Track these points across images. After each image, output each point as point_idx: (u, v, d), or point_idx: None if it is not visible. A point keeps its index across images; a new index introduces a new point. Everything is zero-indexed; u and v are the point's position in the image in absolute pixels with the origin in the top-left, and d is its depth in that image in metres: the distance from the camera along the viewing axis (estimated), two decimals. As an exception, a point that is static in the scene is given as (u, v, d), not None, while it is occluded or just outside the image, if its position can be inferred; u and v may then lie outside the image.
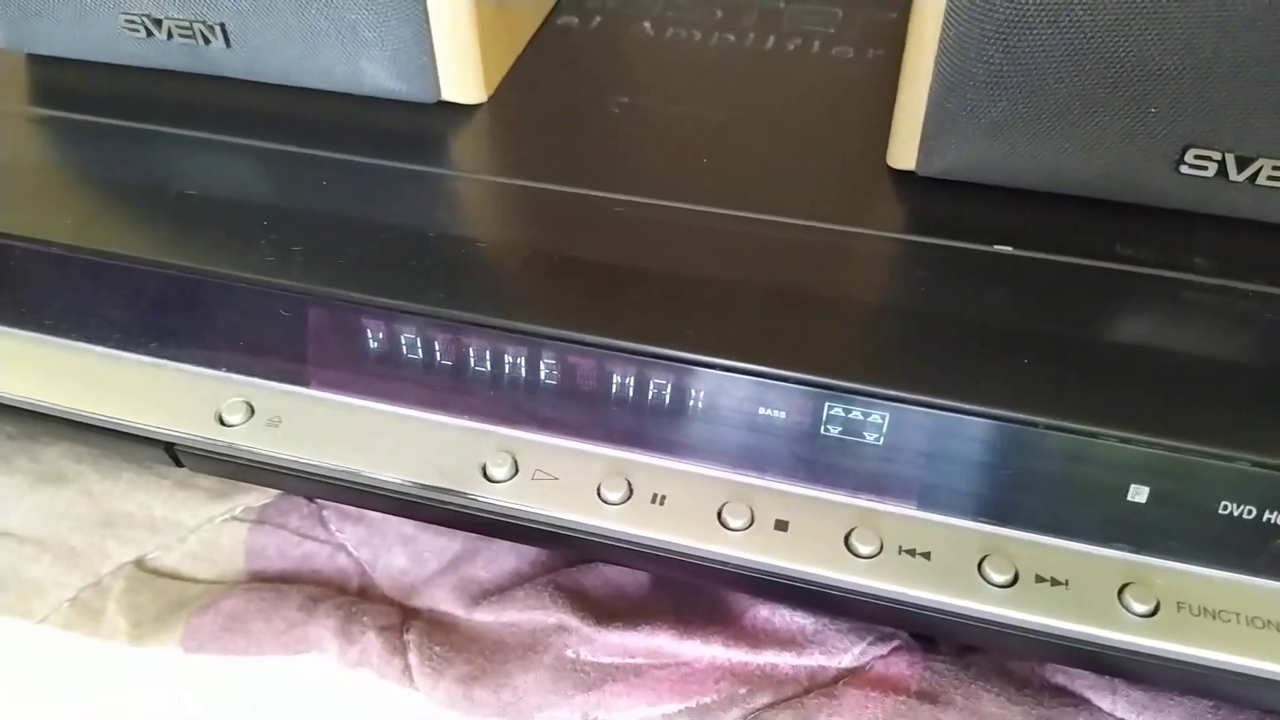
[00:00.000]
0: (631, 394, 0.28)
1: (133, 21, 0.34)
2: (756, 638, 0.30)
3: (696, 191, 0.32)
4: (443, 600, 0.33)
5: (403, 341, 0.29)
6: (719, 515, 0.27)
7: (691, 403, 0.28)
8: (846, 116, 0.36)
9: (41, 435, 0.37)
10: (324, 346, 0.30)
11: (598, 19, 0.41)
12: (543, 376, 0.28)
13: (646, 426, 0.28)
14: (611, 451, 0.28)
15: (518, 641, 0.31)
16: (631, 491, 0.28)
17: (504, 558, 0.33)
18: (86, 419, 0.31)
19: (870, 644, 0.29)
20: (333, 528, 0.35)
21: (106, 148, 0.34)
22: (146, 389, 0.31)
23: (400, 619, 0.32)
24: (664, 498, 0.28)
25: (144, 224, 0.31)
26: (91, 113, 0.35)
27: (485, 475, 0.28)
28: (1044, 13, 0.26)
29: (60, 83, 0.37)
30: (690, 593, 0.32)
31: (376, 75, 0.34)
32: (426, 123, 0.35)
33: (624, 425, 0.28)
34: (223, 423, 0.30)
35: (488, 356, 0.29)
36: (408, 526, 0.34)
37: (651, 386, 0.28)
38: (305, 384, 0.30)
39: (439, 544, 0.34)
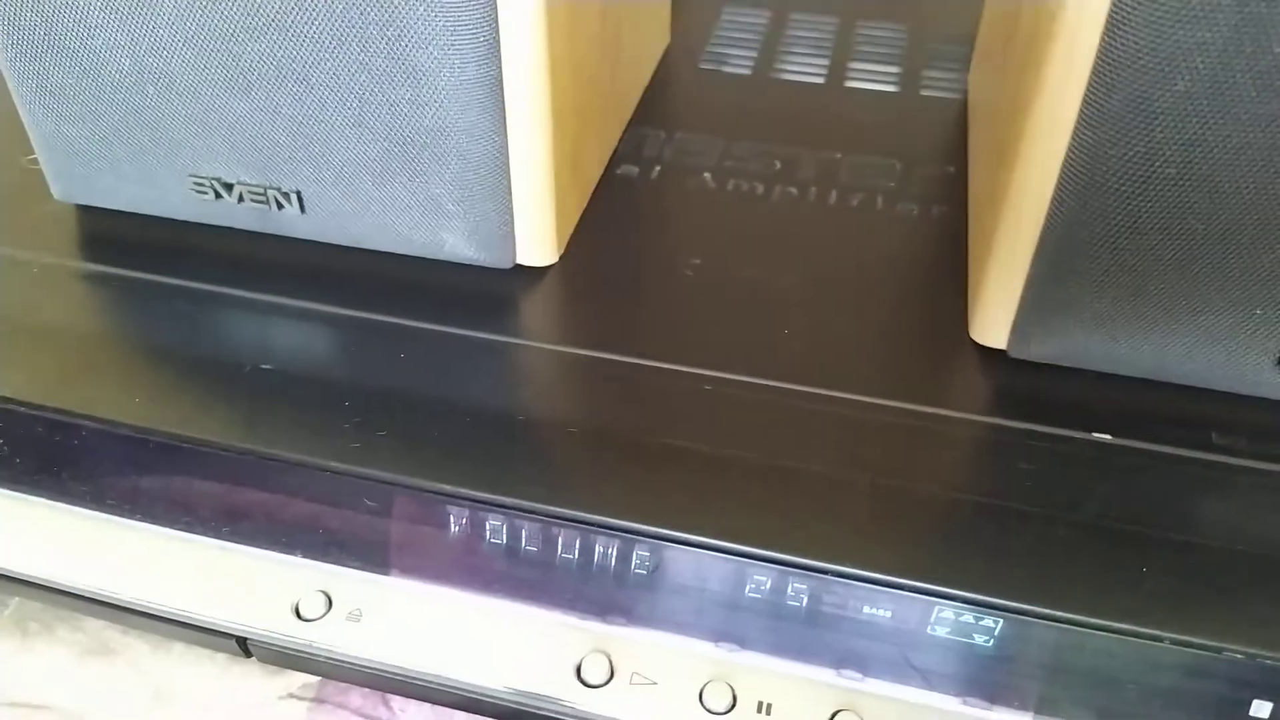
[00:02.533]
0: (731, 592, 0.27)
1: (201, 184, 0.34)
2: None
3: (779, 367, 0.31)
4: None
5: (491, 532, 0.28)
6: (831, 724, 0.26)
7: (791, 603, 0.27)
8: (921, 280, 0.35)
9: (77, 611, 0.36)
10: (409, 535, 0.29)
11: (657, 169, 0.41)
12: (636, 571, 0.27)
13: (746, 626, 0.27)
14: (712, 651, 0.27)
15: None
16: (735, 699, 0.27)
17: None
18: (151, 609, 0.30)
19: None
20: (395, 707, 0.33)
21: (173, 312, 0.33)
22: (217, 575, 0.30)
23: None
24: (770, 706, 0.27)
25: (219, 403, 0.30)
26: (154, 271, 0.34)
27: (580, 679, 0.27)
28: (1157, 220, 0.26)
29: (115, 235, 0.36)
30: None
31: (456, 245, 0.33)
32: (501, 287, 0.34)
33: (724, 624, 0.27)
34: (300, 616, 0.29)
35: (579, 549, 0.28)
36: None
37: (751, 586, 0.27)
38: (386, 572, 0.29)
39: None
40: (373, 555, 0.29)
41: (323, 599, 0.29)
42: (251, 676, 0.34)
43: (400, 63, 0.29)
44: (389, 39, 0.29)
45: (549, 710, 0.27)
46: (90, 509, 0.31)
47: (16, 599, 0.36)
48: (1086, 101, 0.26)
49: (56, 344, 0.32)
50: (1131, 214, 0.26)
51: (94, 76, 0.32)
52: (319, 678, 0.34)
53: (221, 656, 0.34)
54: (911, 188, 0.41)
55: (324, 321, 0.32)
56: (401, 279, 0.34)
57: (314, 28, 0.29)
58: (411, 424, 0.29)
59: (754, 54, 0.50)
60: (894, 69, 0.49)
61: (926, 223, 0.39)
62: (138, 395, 0.30)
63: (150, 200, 0.35)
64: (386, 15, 0.28)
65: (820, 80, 0.48)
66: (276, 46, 0.30)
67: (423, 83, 0.29)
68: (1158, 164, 0.26)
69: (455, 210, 0.32)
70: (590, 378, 0.31)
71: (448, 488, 0.28)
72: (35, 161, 0.37)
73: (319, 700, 0.34)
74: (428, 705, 0.33)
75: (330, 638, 0.28)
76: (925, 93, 0.47)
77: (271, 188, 0.33)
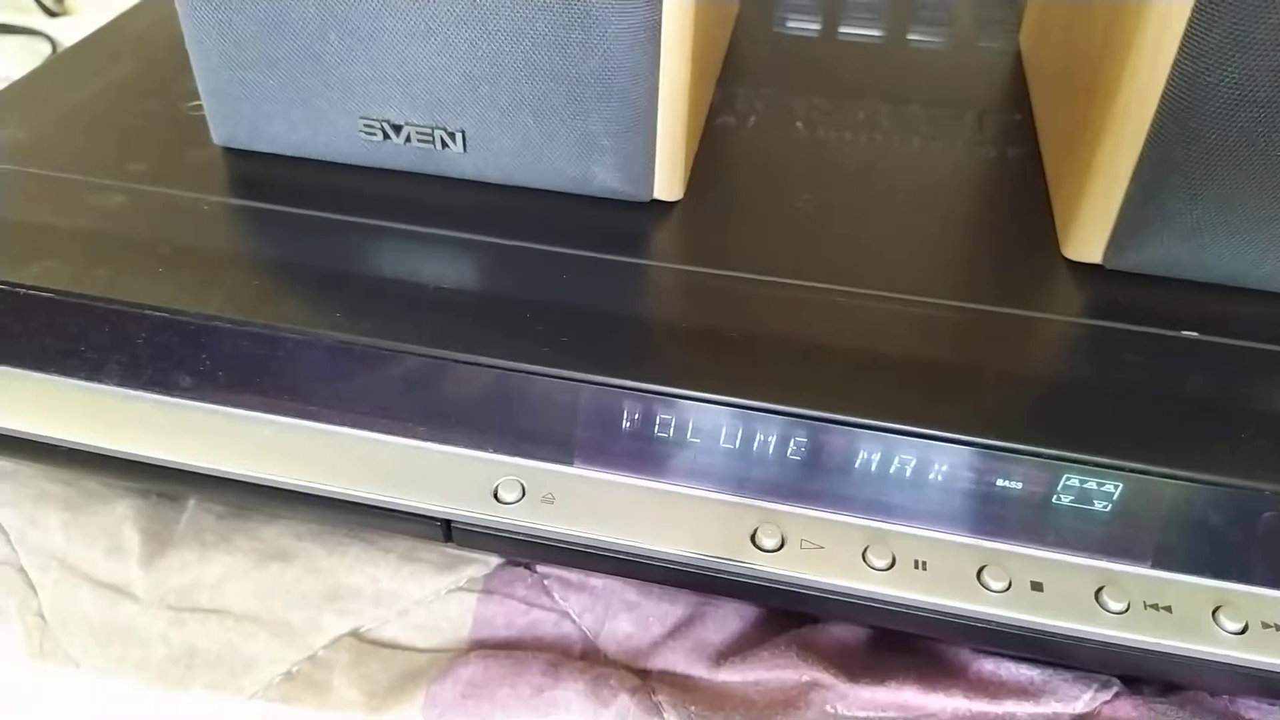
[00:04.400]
0: (886, 469, 0.31)
1: (370, 126, 0.37)
2: (992, 689, 0.33)
3: (901, 281, 0.35)
4: (679, 663, 0.35)
5: (665, 423, 0.32)
6: (979, 578, 0.30)
7: (942, 476, 0.31)
8: (1008, 211, 0.40)
9: (256, 512, 0.39)
10: (594, 429, 0.32)
11: (752, 119, 0.45)
12: (797, 452, 0.31)
13: (899, 498, 0.31)
14: (868, 522, 0.31)
15: (768, 700, 0.33)
16: (894, 559, 0.31)
17: (731, 621, 0.36)
18: (359, 499, 0.33)
19: (1097, 690, 0.33)
20: (556, 596, 0.37)
21: (348, 244, 0.36)
22: (419, 469, 0.33)
23: (641, 681, 0.34)
24: (925, 563, 0.31)
25: (410, 316, 0.33)
26: (324, 209, 0.37)
27: (756, 545, 0.31)
28: (1246, 138, 0.31)
29: (281, 178, 0.39)
30: (913, 648, 0.35)
31: (606, 179, 0.37)
32: (639, 219, 0.38)
33: (878, 498, 0.31)
34: (499, 500, 0.32)
35: (750, 436, 0.32)
36: (630, 593, 0.37)
37: (899, 462, 0.31)
38: (572, 464, 0.33)
39: (662, 609, 0.37)
40: (560, 447, 0.33)
41: (517, 486, 0.32)
42: (423, 574, 0.37)
43: (576, 8, 0.33)
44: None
45: (732, 572, 0.31)
46: (294, 417, 0.34)
47: (189, 511, 0.39)
48: (1188, 36, 0.30)
49: (246, 270, 0.35)
50: (1224, 134, 0.31)
51: (278, 23, 0.35)
52: (483, 574, 0.37)
53: (392, 556, 0.38)
54: (985, 133, 0.45)
55: (489, 251, 0.36)
56: (549, 214, 0.38)
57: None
58: (587, 331, 0.33)
59: (819, 17, 0.54)
60: (946, 29, 0.53)
61: (1003, 163, 0.43)
62: (335, 311, 0.33)
63: (314, 144, 0.38)
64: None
65: (881, 39, 0.53)
66: (458, -2, 0.33)
67: (594, 27, 0.33)
68: (1250, 88, 0.30)
69: (609, 145, 0.36)
70: (732, 293, 0.35)
71: (630, 383, 0.31)
72: (196, 108, 0.40)
73: (486, 592, 0.37)
74: (587, 593, 0.37)
75: (527, 518, 0.32)
76: (980, 49, 0.52)
77: (438, 127, 0.36)
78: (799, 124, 0.45)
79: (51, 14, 0.71)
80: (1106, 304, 0.35)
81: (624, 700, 0.33)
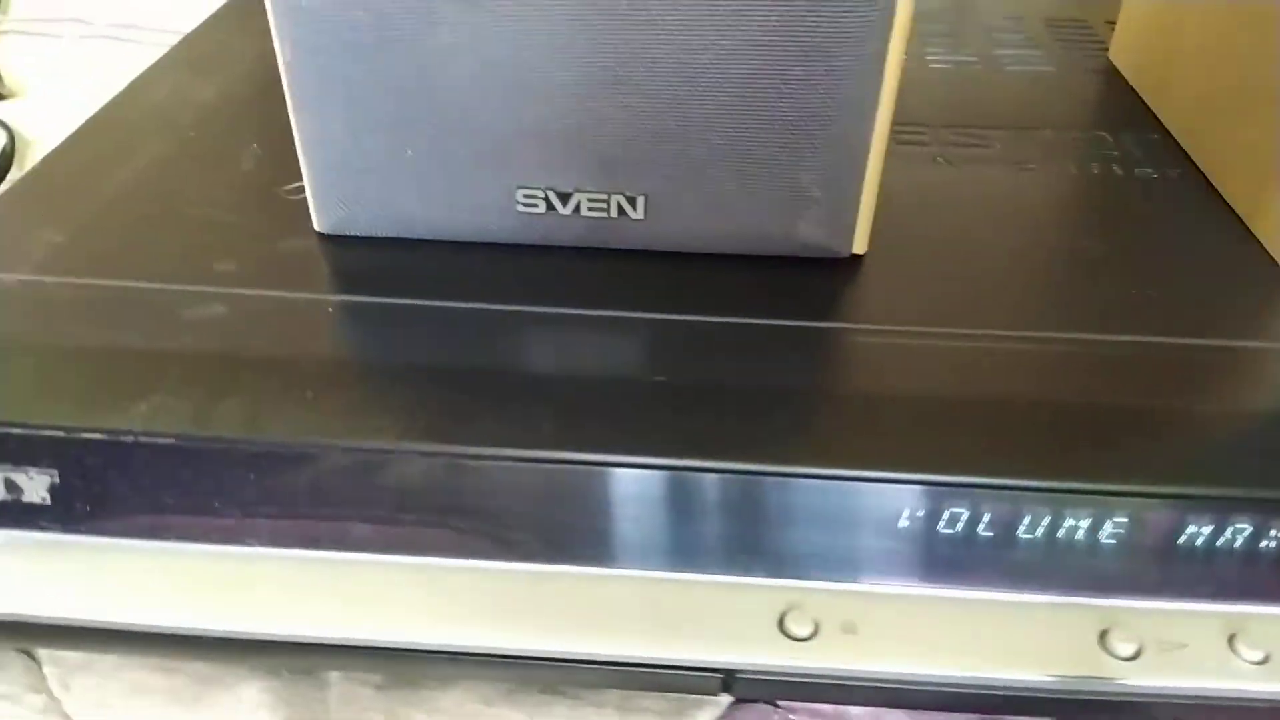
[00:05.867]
0: (1242, 544, 0.27)
1: (532, 197, 0.31)
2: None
3: (1114, 322, 0.31)
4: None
5: (966, 518, 0.27)
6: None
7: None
8: (1206, 235, 0.37)
9: (428, 680, 0.32)
10: (882, 535, 0.27)
11: (889, 157, 0.41)
12: (1136, 537, 0.27)
13: (1254, 577, 0.27)
14: (1224, 608, 0.27)
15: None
16: (1269, 654, 0.26)
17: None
18: (604, 657, 0.27)
19: None
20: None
21: (534, 339, 0.30)
22: (678, 610, 0.27)
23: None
24: (1297, 647, 0.26)
25: (633, 420, 0.27)
26: (491, 299, 0.31)
27: (1109, 653, 0.26)
28: None
29: (409, 269, 0.32)
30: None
31: (809, 235, 0.32)
32: (838, 277, 0.33)
33: (1234, 580, 0.27)
34: (789, 636, 0.26)
35: (1071, 522, 0.27)
36: (899, 713, 0.31)
37: (1253, 534, 0.27)
38: (860, 579, 0.27)
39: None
40: (843, 561, 0.27)
41: (807, 618, 0.27)
42: (644, 725, 0.31)
43: (800, 42, 0.28)
44: (787, 10, 0.27)
45: (1090, 691, 0.26)
46: (497, 560, 0.27)
47: (336, 685, 0.32)
48: None
49: (412, 384, 0.28)
50: None
51: (422, 83, 0.29)
52: (718, 715, 0.31)
53: (608, 710, 0.31)
54: (1132, 155, 0.42)
55: (697, 331, 0.30)
56: (738, 280, 0.32)
57: (701, 10, 0.27)
58: (844, 417, 0.28)
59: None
60: (1033, 50, 0.51)
61: (1166, 185, 0.40)
62: (540, 423, 0.27)
63: (453, 223, 0.32)
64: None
65: (975, 63, 0.49)
66: (654, 37, 0.28)
67: (819, 61, 0.28)
68: None
69: (819, 197, 0.31)
70: (986, 355, 0.30)
71: (922, 475, 0.26)
72: (297, 191, 0.33)
73: (725, 735, 0.31)
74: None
75: (828, 657, 0.26)
76: (1075, 69, 0.49)
77: (615, 193, 0.31)
78: (939, 159, 0.41)
79: (1, 96, 0.61)
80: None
81: None
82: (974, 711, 0.29)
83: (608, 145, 0.30)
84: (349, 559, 0.28)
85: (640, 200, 0.31)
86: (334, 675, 0.32)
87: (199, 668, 0.32)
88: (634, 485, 0.27)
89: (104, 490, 0.28)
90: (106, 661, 0.32)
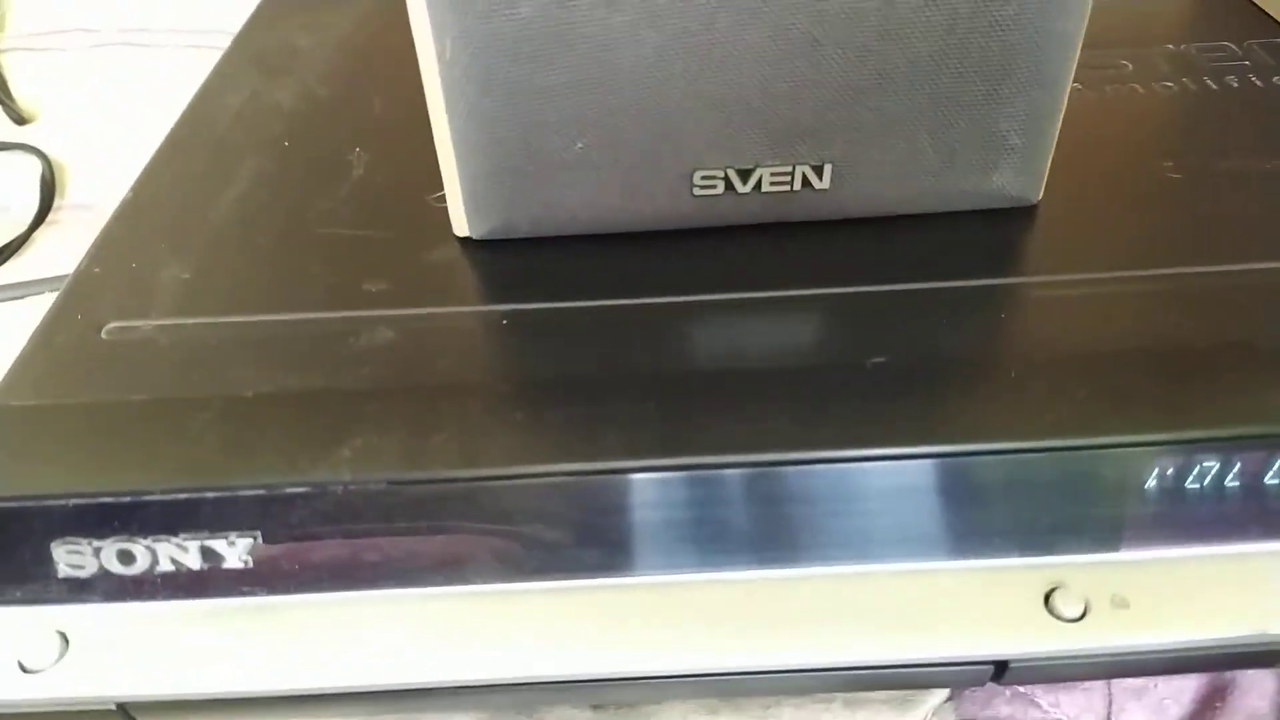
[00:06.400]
0: None
1: (711, 179, 0.29)
2: None
3: None
4: (1232, 745, 0.29)
5: (1215, 471, 0.26)
6: None
7: None
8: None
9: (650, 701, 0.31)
10: (1134, 500, 0.26)
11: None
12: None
13: None
14: None
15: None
16: None
17: (1265, 680, 0.30)
18: (875, 663, 0.25)
19: None
20: (1045, 704, 0.30)
21: (733, 329, 0.28)
22: (941, 601, 0.26)
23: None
24: None
25: (849, 406, 0.26)
26: (675, 291, 0.29)
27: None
28: None
29: (579, 269, 0.30)
30: None
31: (1003, 185, 0.30)
32: (1023, 227, 0.31)
33: None
34: (1060, 618, 0.25)
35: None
36: (1132, 681, 0.30)
37: None
38: (1119, 549, 0.26)
39: (1174, 688, 0.30)
40: (1104, 532, 0.26)
41: (1077, 596, 0.25)
42: (879, 718, 0.30)
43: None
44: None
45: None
46: (745, 568, 0.26)
47: (552, 714, 0.31)
48: None
49: (623, 394, 0.27)
50: None
51: (603, 70, 0.26)
52: (944, 700, 0.30)
53: (836, 705, 0.30)
54: (1267, 61, 0.40)
55: (888, 300, 0.29)
56: (926, 241, 0.31)
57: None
58: (1058, 381, 0.26)
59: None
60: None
61: (1307, 88, 0.38)
62: (770, 422, 0.25)
63: (623, 216, 0.30)
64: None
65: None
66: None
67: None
68: None
69: (1018, 144, 0.29)
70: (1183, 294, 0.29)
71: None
72: (441, 200, 0.31)
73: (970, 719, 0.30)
74: (1079, 692, 0.30)
75: (1105, 635, 0.25)
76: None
77: (800, 163, 0.29)
78: (1080, 85, 0.39)
79: (21, 121, 0.58)
80: None
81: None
82: (1246, 668, 0.28)
83: (798, 111, 0.27)
84: (567, 586, 0.27)
85: (827, 169, 0.29)
86: (541, 706, 0.31)
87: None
88: (879, 478, 0.25)
89: (312, 547, 0.26)
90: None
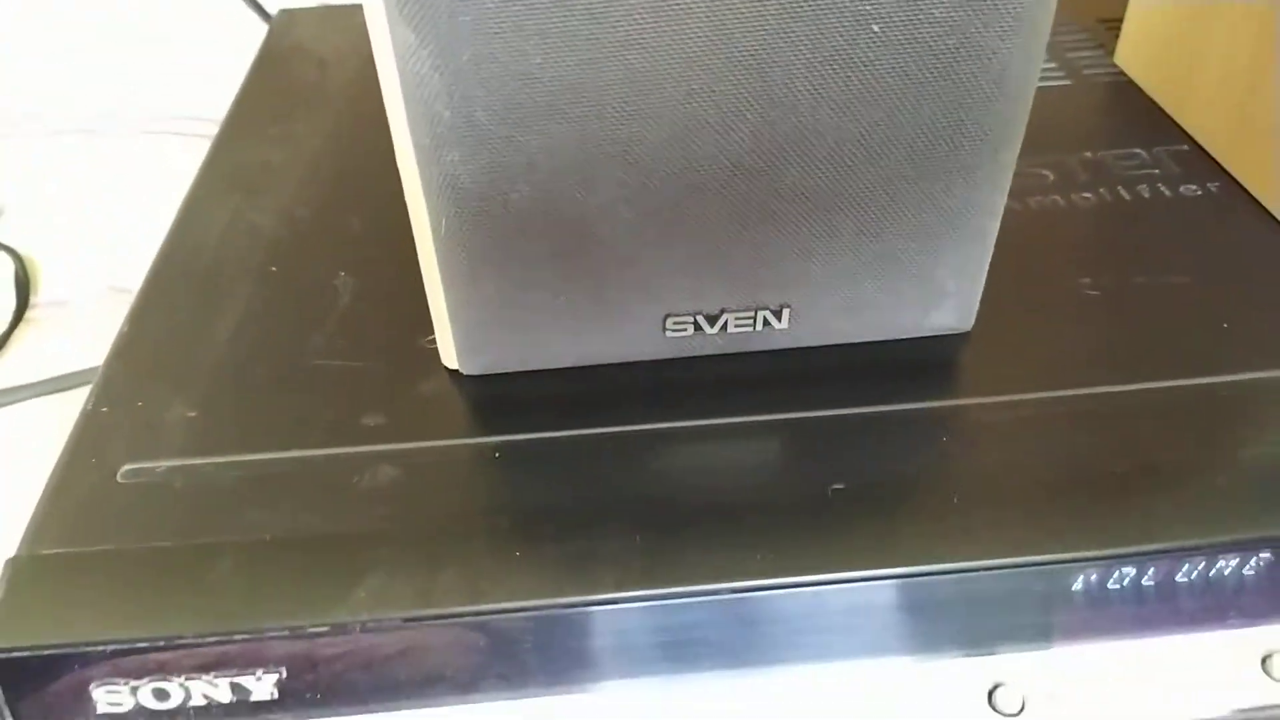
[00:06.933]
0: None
1: (681, 322, 0.32)
2: None
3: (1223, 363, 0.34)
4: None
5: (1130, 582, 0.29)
6: None
7: None
8: (1265, 256, 0.39)
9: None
10: (1067, 605, 0.29)
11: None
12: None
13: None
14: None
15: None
16: None
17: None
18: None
19: None
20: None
21: (715, 454, 0.31)
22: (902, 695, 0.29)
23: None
24: None
25: (851, 534, 0.29)
26: (652, 418, 0.32)
27: (1270, 676, 0.29)
28: None
29: (560, 398, 0.33)
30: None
31: (941, 320, 0.34)
32: (959, 349, 0.35)
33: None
34: (1002, 713, 0.29)
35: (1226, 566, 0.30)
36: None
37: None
38: (1050, 647, 0.30)
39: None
40: (1037, 633, 0.30)
41: (1013, 691, 0.29)
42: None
43: (949, 161, 0.29)
44: (929, 134, 0.29)
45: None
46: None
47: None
48: None
49: (611, 523, 0.30)
50: None
51: (585, 240, 0.30)
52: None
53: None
54: (1174, 170, 0.44)
55: (837, 426, 0.32)
56: (866, 367, 0.34)
57: (853, 132, 0.29)
58: (996, 501, 0.30)
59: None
60: (1049, 62, 0.53)
61: (1211, 200, 0.43)
62: (750, 551, 0.29)
63: (604, 353, 0.33)
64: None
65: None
66: (807, 170, 0.29)
67: (955, 173, 0.30)
68: None
69: (954, 289, 0.33)
70: (1112, 414, 0.33)
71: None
72: (432, 342, 0.34)
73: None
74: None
75: (1039, 725, 0.29)
76: (1090, 79, 0.52)
77: (761, 308, 0.32)
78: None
79: (-12, 219, 0.59)
80: None
81: None
82: None
83: (758, 269, 0.31)
84: (561, 699, 0.30)
85: (785, 312, 0.32)
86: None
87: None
88: (842, 597, 0.29)
89: (333, 678, 0.28)
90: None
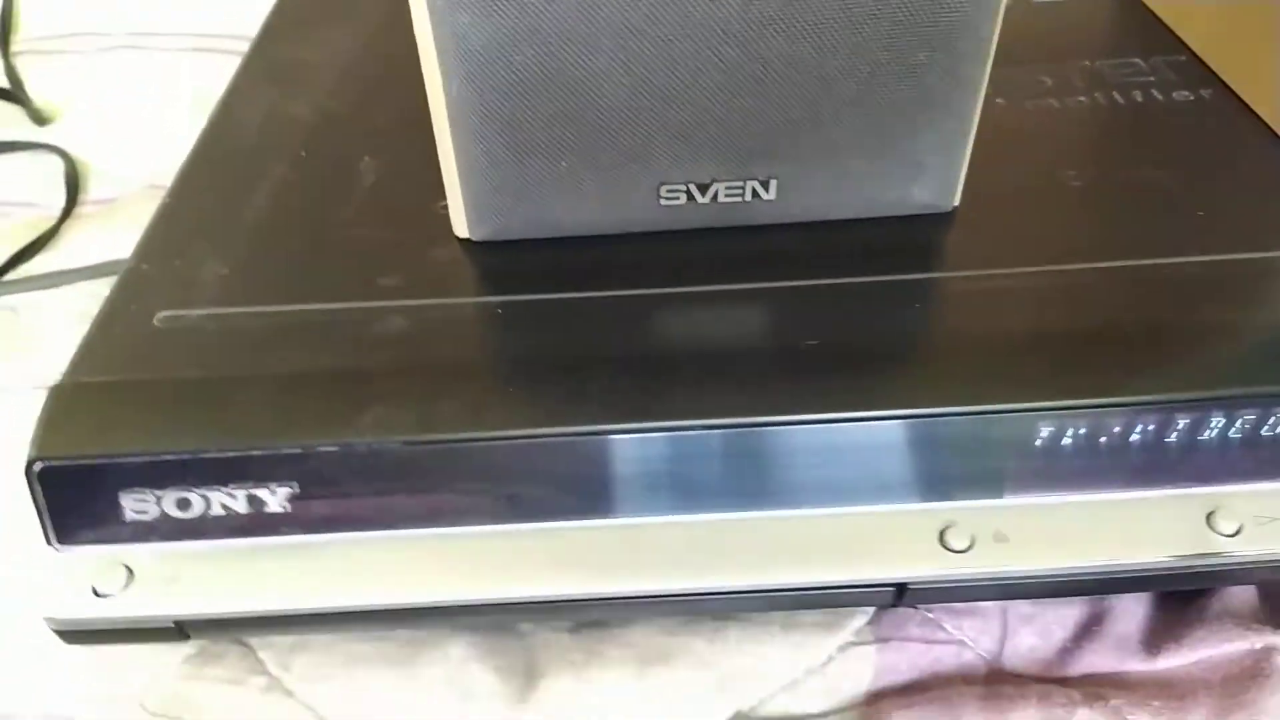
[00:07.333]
0: None
1: (675, 191, 0.34)
2: None
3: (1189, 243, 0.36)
4: (1107, 663, 0.35)
5: (1083, 433, 0.31)
6: None
7: None
8: (1243, 152, 0.41)
9: (617, 620, 0.36)
10: (1015, 456, 0.31)
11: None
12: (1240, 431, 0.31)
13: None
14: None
15: (1223, 676, 0.33)
16: (1349, 516, 0.31)
17: (1136, 608, 0.36)
18: (798, 584, 0.31)
19: None
20: (949, 627, 0.36)
21: (693, 317, 0.34)
22: (852, 538, 0.31)
23: (1086, 691, 0.34)
24: (1375, 512, 0.31)
25: (779, 381, 0.31)
26: (643, 284, 0.35)
27: (1216, 531, 0.31)
28: None
29: (562, 265, 0.36)
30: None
31: (922, 196, 0.35)
32: (942, 229, 0.37)
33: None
34: (951, 550, 0.31)
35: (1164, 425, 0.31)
36: (1024, 606, 0.36)
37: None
38: (1002, 496, 0.32)
39: (1060, 614, 0.36)
40: (989, 482, 0.32)
41: (964, 533, 0.31)
42: (809, 639, 0.36)
43: (924, 33, 0.31)
44: (912, 8, 0.31)
45: (1199, 566, 0.31)
46: (698, 512, 0.32)
47: (535, 634, 0.36)
48: None
49: (597, 369, 0.32)
50: None
51: (583, 107, 0.32)
52: (867, 620, 0.36)
53: (774, 629, 0.36)
54: (1169, 78, 0.46)
55: (822, 293, 0.34)
56: (849, 241, 0.36)
57: (836, 13, 0.31)
58: (962, 358, 0.32)
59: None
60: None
61: (1202, 105, 0.44)
62: (725, 391, 0.31)
63: (601, 222, 0.35)
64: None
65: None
66: (795, 43, 0.31)
67: (941, 47, 0.32)
68: None
69: (932, 164, 0.34)
70: (1069, 289, 0.34)
71: (1043, 404, 0.31)
72: (444, 208, 0.36)
73: (882, 640, 0.36)
74: (978, 617, 0.36)
75: (986, 563, 0.31)
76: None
77: (750, 179, 0.34)
78: (999, 100, 0.45)
79: (41, 122, 0.63)
80: None
81: (1084, 715, 0.33)
82: (1104, 593, 0.34)
83: (746, 139, 0.33)
84: (552, 528, 0.32)
85: (773, 183, 0.34)
86: (526, 626, 0.36)
87: (403, 634, 0.36)
88: (809, 438, 0.31)
89: (340, 495, 0.31)
90: (318, 640, 0.36)
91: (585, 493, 0.32)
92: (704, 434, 0.31)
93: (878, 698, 0.35)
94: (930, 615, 0.36)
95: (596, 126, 0.32)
